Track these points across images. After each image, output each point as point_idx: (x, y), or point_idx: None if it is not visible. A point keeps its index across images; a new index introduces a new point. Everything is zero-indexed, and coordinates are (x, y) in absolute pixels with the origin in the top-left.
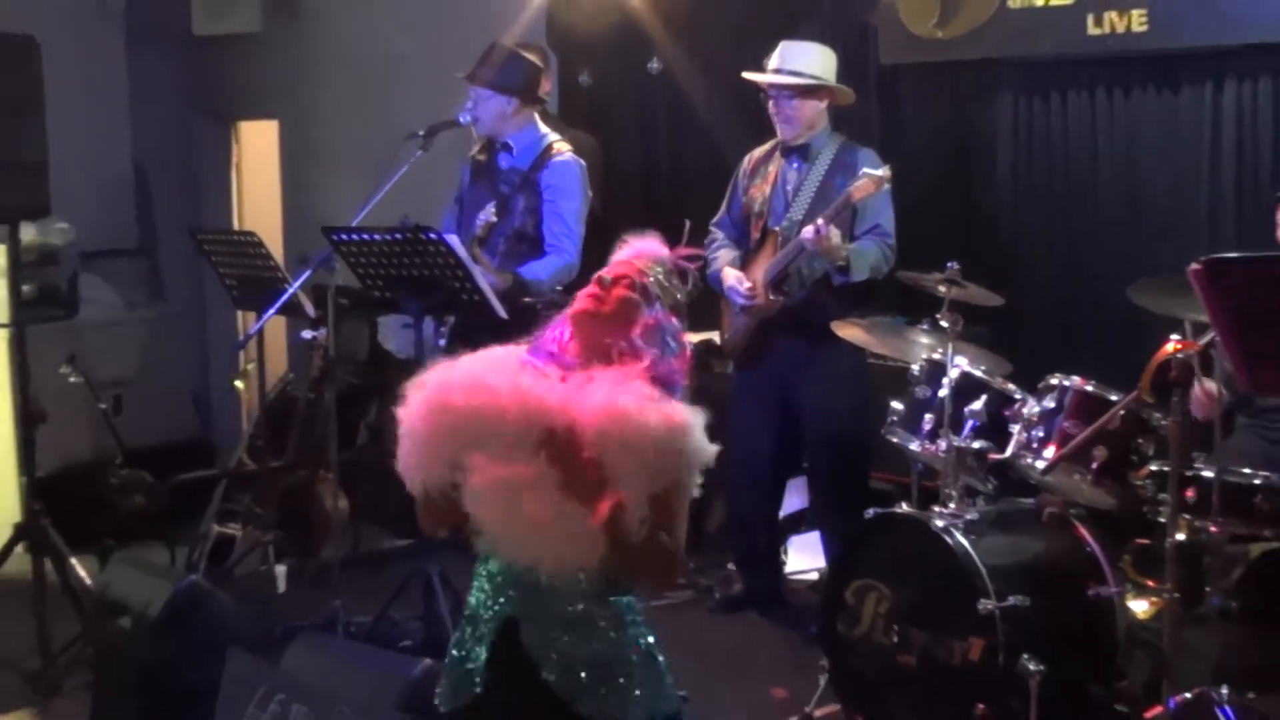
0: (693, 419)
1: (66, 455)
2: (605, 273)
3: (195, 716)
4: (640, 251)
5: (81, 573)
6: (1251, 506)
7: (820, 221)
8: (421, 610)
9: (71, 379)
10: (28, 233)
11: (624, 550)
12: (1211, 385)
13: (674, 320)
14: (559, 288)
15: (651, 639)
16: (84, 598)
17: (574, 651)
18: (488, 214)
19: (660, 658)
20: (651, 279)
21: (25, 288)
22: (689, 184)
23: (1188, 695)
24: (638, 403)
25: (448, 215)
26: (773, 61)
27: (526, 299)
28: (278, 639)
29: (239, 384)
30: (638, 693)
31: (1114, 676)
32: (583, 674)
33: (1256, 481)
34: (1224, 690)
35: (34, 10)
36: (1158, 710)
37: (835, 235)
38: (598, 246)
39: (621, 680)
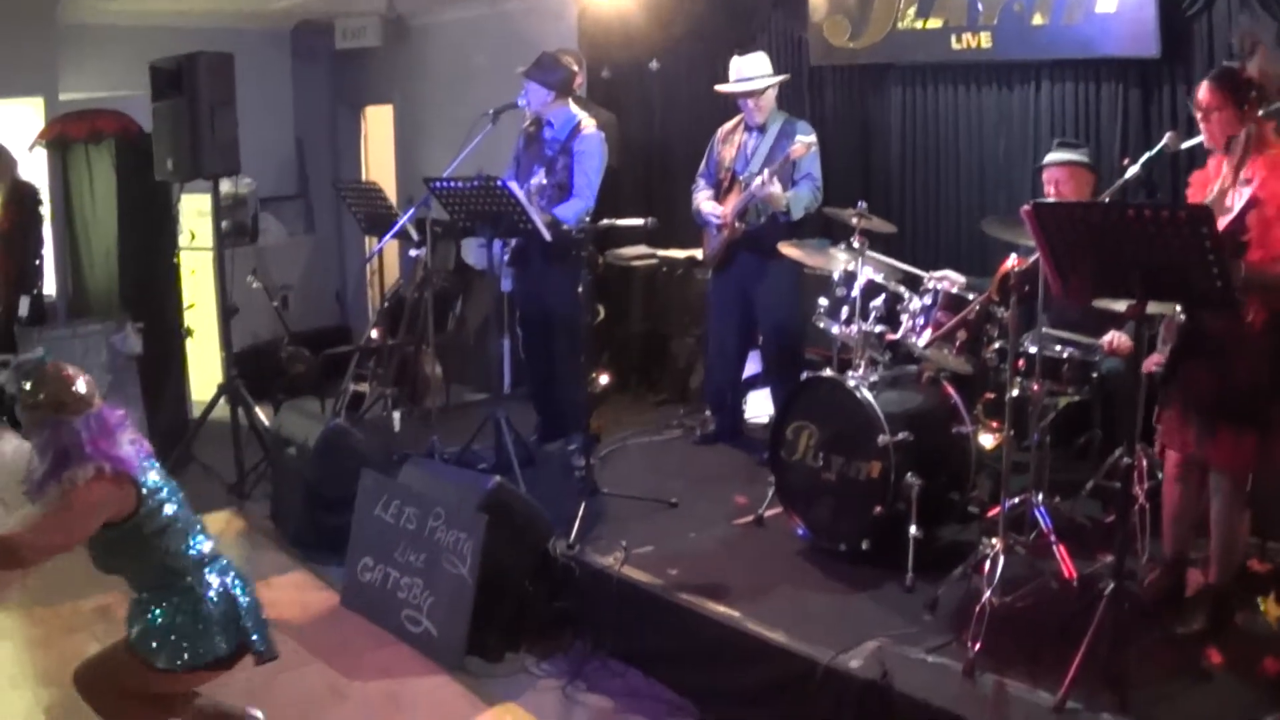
0: None
1: (252, 337)
2: None
3: (340, 513)
4: None
5: (263, 417)
6: (1060, 373)
7: (765, 174)
8: (493, 443)
9: (254, 285)
10: (225, 186)
11: None
12: None
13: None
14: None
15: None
16: (264, 434)
17: None
18: (539, 178)
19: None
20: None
21: (224, 223)
22: (676, 148)
23: (1015, 500)
24: None
25: (509, 170)
26: (732, 74)
27: (564, 229)
28: (395, 462)
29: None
30: None
31: (969, 487)
32: None
33: (1064, 356)
34: (1039, 496)
35: (230, 37)
36: (996, 510)
37: (776, 186)
38: (613, 190)
39: None
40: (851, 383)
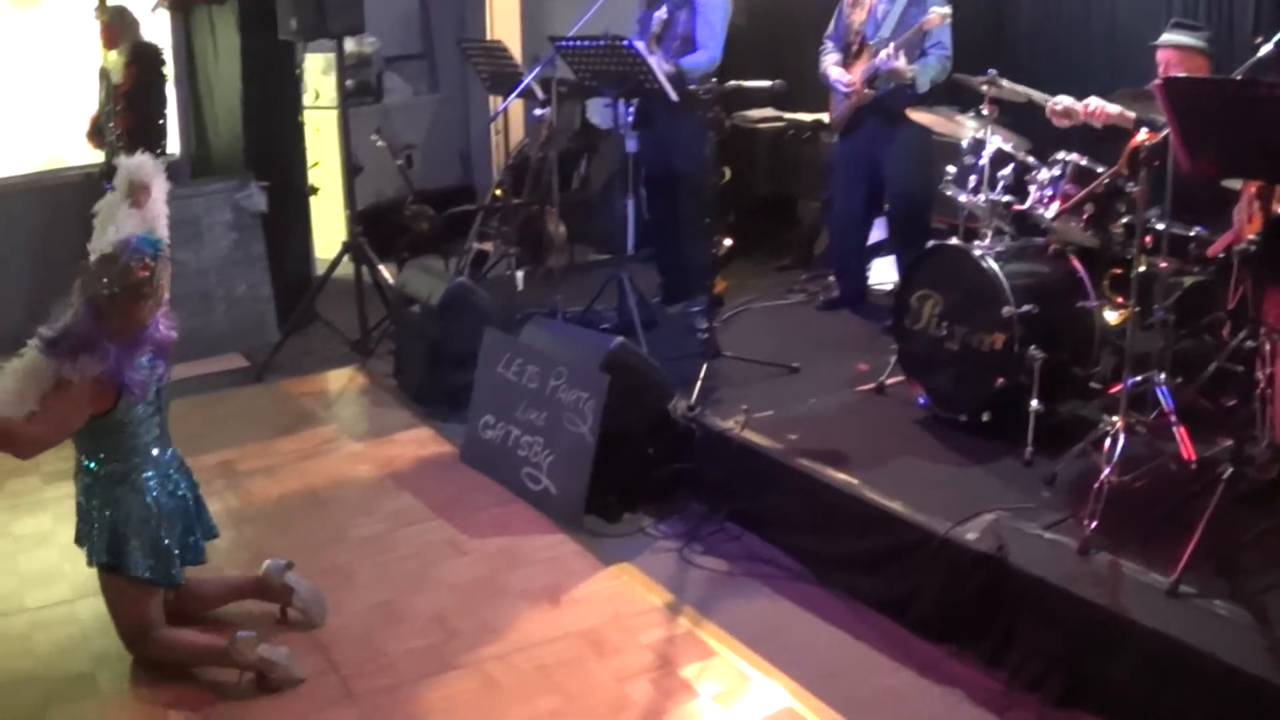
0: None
1: (376, 195)
2: None
3: (462, 371)
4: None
5: (386, 275)
6: (1187, 251)
7: (891, 48)
8: (616, 303)
9: (379, 144)
10: (349, 45)
11: None
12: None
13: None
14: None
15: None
16: (388, 292)
17: None
18: (660, 14)
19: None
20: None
21: (348, 82)
22: (804, 9)
23: (1138, 378)
24: None
25: (634, 30)
26: None
27: (690, 86)
28: (517, 321)
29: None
30: None
31: (1091, 363)
32: None
33: (1191, 234)
34: (1161, 376)
35: None
36: (1118, 387)
37: (902, 61)
38: (740, 52)
39: None
40: (977, 252)
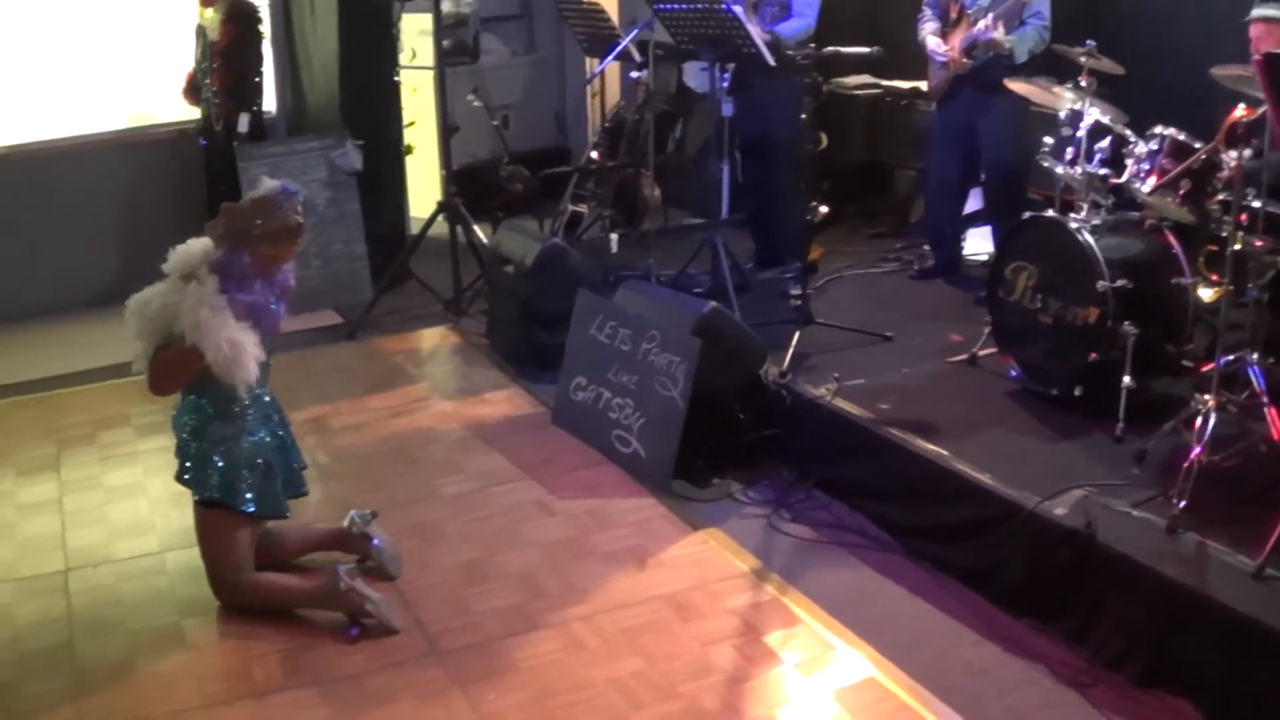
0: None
1: (471, 155)
2: None
3: (555, 332)
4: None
5: (481, 235)
6: None
7: (989, 18)
8: (710, 267)
9: (475, 104)
10: (446, 5)
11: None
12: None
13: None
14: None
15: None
16: (482, 252)
17: None
18: None
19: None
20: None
21: (445, 43)
22: None
23: (1230, 357)
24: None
25: None
26: None
27: (788, 51)
28: (611, 284)
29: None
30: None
31: (1184, 340)
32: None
33: None
34: (1254, 355)
35: None
36: (1210, 366)
37: (1000, 32)
38: (837, 17)
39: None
40: (1073, 225)
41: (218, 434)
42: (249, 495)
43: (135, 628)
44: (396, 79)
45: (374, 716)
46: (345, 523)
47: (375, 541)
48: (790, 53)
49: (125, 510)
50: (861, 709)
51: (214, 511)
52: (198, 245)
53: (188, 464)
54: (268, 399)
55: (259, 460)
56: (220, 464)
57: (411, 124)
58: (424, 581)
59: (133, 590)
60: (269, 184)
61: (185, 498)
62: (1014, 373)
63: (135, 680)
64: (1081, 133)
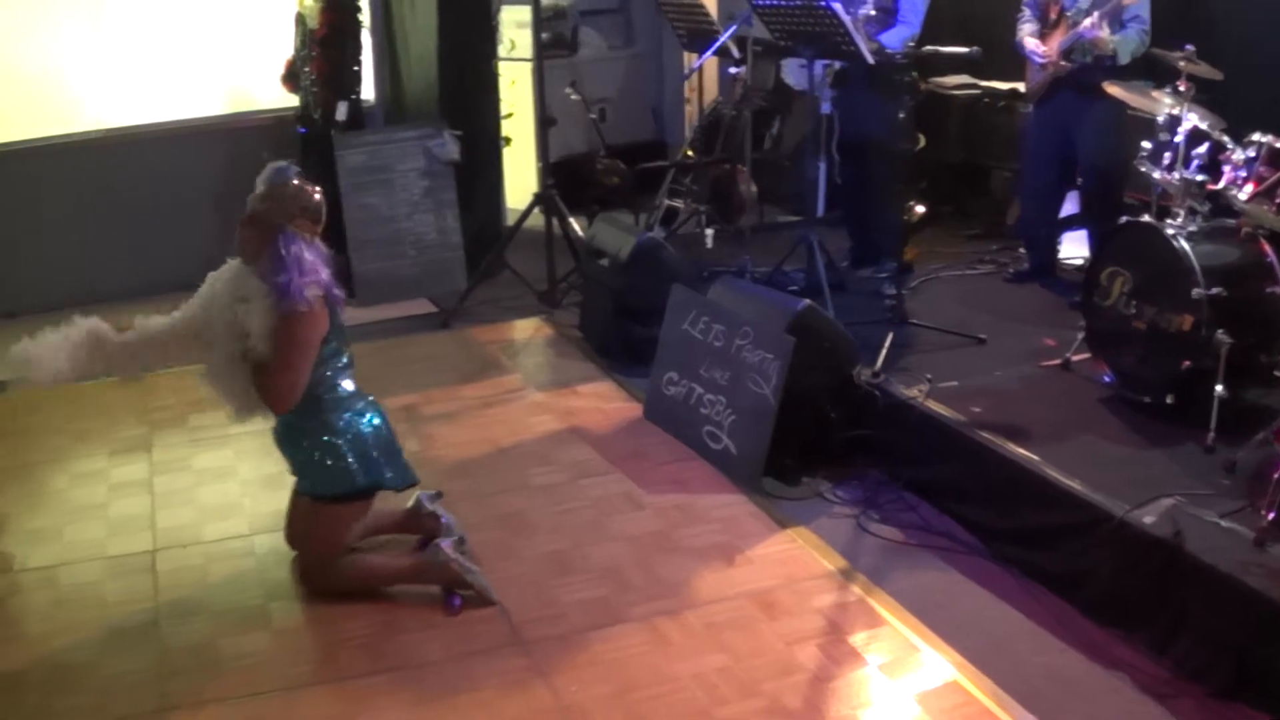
0: None
1: (568, 148)
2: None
3: (648, 326)
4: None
5: (576, 227)
6: None
7: (1095, 17)
8: (805, 265)
9: (572, 97)
10: None
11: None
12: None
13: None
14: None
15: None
16: (577, 244)
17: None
18: (868, 9)
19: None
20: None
21: (543, 35)
22: None
23: None
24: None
25: None
26: None
27: (889, 53)
28: (705, 279)
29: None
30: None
31: (1277, 351)
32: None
33: None
34: None
35: None
36: None
37: (1105, 31)
38: (936, 17)
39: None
40: (1170, 231)
41: (336, 420)
42: (389, 475)
43: (220, 609)
44: (495, 70)
45: (457, 704)
46: (410, 503)
47: (444, 519)
48: (890, 50)
49: (214, 492)
50: (944, 713)
51: (337, 507)
52: (228, 271)
53: (327, 463)
54: (355, 387)
55: (381, 436)
56: (355, 448)
57: (509, 115)
58: (510, 571)
59: (220, 572)
60: (269, 173)
61: (276, 482)
62: (1107, 378)
63: (218, 661)
64: (1179, 138)
